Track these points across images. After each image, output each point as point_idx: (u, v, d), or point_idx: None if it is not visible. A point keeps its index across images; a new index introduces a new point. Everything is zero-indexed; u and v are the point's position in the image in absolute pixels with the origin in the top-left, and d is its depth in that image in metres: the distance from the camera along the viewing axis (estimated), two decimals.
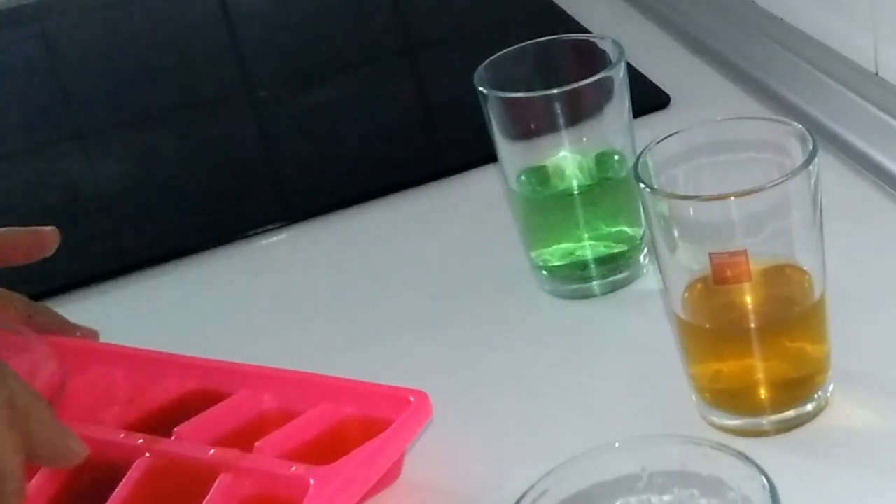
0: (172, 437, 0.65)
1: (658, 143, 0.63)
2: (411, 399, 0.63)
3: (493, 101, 0.73)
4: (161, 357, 0.70)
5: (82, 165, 1.07)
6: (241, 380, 0.68)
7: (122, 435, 0.65)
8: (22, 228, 0.74)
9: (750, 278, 0.60)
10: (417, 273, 0.82)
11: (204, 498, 0.60)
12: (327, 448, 0.63)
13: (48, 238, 0.74)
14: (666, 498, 0.47)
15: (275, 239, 0.89)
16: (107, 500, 0.62)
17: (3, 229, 0.74)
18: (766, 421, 0.62)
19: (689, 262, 0.61)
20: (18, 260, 0.73)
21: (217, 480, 0.61)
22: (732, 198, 0.58)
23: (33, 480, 0.62)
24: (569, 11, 1.09)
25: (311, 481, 0.59)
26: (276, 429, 0.64)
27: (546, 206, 0.76)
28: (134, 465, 0.63)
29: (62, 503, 0.63)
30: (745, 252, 0.59)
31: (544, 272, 0.77)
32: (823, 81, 0.87)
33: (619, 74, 0.72)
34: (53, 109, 1.17)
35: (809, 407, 0.63)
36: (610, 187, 0.75)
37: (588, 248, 0.75)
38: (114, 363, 0.72)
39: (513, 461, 0.64)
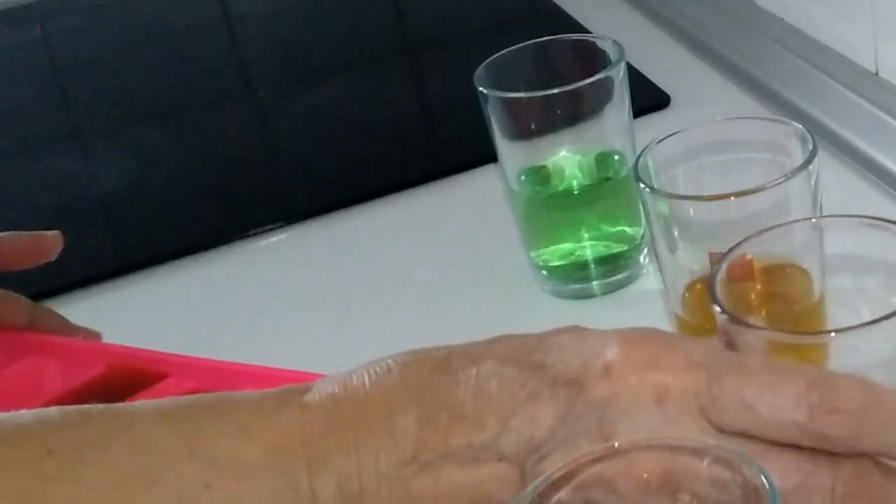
0: None
1: (658, 143, 0.63)
2: None
3: (493, 101, 0.73)
4: (161, 357, 0.70)
5: (82, 165, 1.07)
6: (241, 380, 0.68)
7: None
8: (25, 233, 0.74)
9: (751, 278, 0.60)
10: (417, 273, 0.82)
11: None
12: None
13: (51, 242, 0.74)
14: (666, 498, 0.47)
15: (275, 239, 0.89)
16: None
17: (6, 234, 0.74)
18: None
19: (689, 262, 0.61)
20: (22, 264, 0.73)
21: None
22: (732, 198, 0.58)
23: None
24: (569, 11, 1.09)
25: None
26: None
27: (546, 206, 0.76)
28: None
29: None
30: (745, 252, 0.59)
31: (544, 272, 0.77)
32: (823, 81, 0.87)
33: (619, 74, 0.72)
34: (53, 109, 1.17)
35: None
36: (610, 187, 0.75)
37: (588, 248, 0.75)
38: (114, 362, 0.72)
39: None
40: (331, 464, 0.46)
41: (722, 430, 0.43)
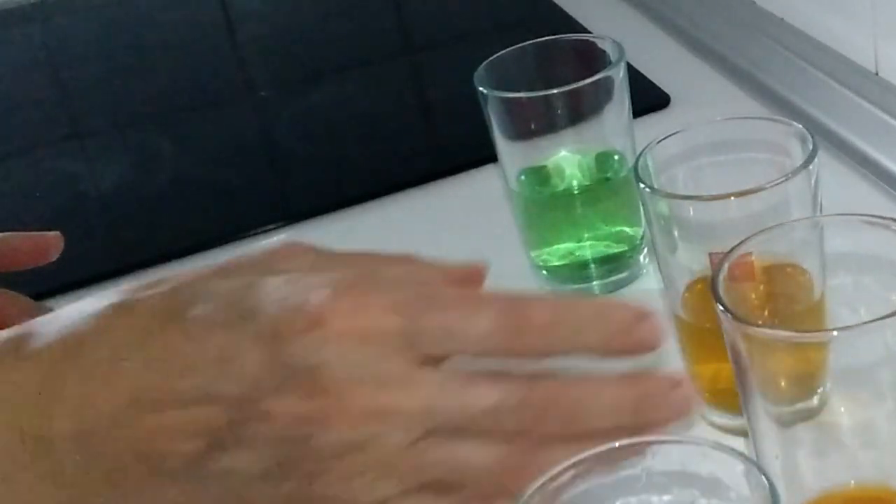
0: None
1: (658, 143, 0.63)
2: None
3: (493, 101, 0.73)
4: None
5: (82, 165, 1.07)
6: None
7: None
8: (26, 233, 0.74)
9: (752, 278, 0.60)
10: None
11: None
12: None
13: (52, 242, 0.74)
14: (666, 498, 0.47)
15: (274, 239, 0.89)
16: None
17: (6, 234, 0.73)
18: None
19: (689, 262, 0.61)
20: (22, 264, 0.73)
21: None
22: (732, 198, 0.58)
23: None
24: (569, 11, 1.09)
25: None
26: None
27: (546, 206, 0.76)
28: None
29: None
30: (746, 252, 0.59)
31: (544, 272, 0.77)
32: (823, 81, 0.87)
33: (619, 74, 0.72)
34: (53, 109, 1.17)
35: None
36: (610, 187, 0.75)
37: (588, 248, 0.75)
38: None
39: None
40: (58, 412, 0.48)
41: (429, 358, 0.48)
